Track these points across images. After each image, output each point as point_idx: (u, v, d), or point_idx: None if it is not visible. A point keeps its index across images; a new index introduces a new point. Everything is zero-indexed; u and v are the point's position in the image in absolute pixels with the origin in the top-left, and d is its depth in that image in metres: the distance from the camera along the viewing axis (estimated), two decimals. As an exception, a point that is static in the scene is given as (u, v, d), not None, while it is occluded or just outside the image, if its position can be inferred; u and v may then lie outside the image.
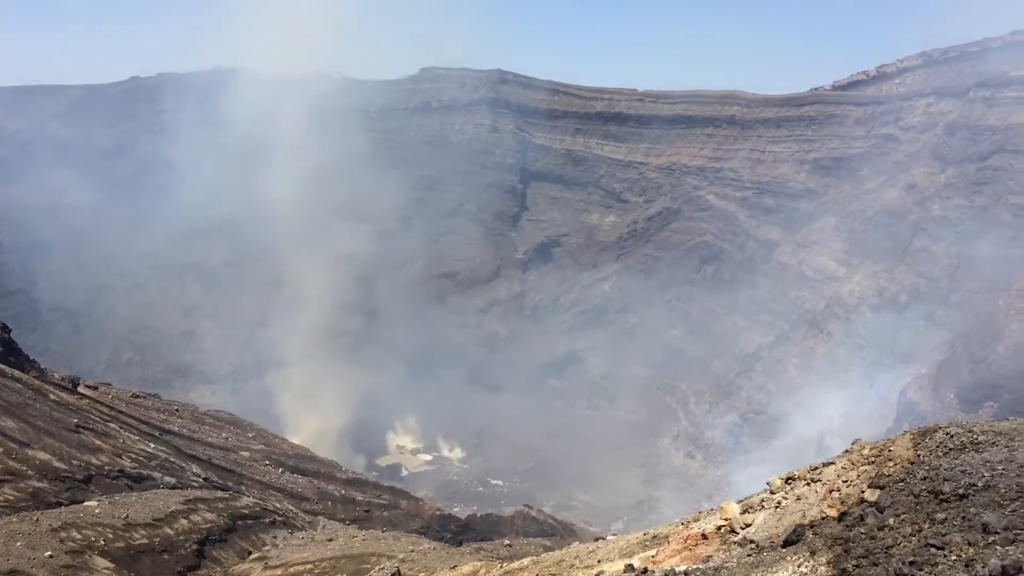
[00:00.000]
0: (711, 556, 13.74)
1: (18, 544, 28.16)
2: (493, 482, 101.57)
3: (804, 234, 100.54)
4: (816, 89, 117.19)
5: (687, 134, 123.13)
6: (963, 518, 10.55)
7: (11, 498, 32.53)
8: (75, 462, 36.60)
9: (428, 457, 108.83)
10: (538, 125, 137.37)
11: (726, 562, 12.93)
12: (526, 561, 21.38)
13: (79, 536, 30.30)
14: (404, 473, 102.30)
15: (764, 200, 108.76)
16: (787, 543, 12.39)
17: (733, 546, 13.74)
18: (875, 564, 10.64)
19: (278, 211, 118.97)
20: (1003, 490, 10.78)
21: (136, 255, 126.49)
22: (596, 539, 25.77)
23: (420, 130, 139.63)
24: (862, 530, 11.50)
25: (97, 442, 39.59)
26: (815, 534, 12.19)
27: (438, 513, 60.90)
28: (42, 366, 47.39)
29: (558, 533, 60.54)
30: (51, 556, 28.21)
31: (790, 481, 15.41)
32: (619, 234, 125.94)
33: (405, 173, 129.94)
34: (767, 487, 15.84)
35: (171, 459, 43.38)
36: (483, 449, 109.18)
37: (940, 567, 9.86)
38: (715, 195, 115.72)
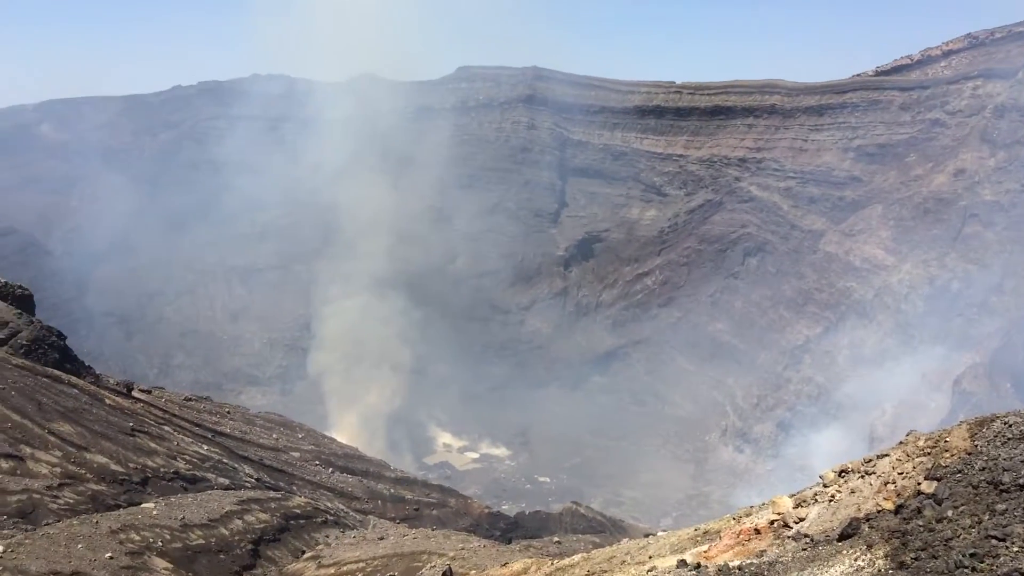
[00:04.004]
0: (765, 551, 13.65)
1: (79, 546, 28.88)
2: (540, 479, 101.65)
3: (850, 223, 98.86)
4: (858, 75, 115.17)
5: (727, 125, 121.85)
6: (1024, 509, 10.36)
7: (71, 501, 33.39)
8: (132, 465, 37.42)
9: (475, 455, 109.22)
10: (575, 121, 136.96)
11: (780, 557, 12.82)
12: (576, 558, 21.40)
13: (138, 537, 31.00)
14: (451, 472, 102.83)
15: (808, 189, 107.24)
16: (843, 537, 12.26)
17: (787, 540, 13.63)
18: (934, 557, 10.49)
19: (320, 214, 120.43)
20: (1065, 480, 10.57)
21: (182, 260, 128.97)
22: (646, 535, 25.69)
23: (458, 129, 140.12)
24: (920, 523, 11.34)
25: (152, 445, 40.44)
26: (871, 527, 12.04)
27: (487, 511, 61.11)
28: (97, 372, 48.54)
29: (607, 530, 60.42)
30: (111, 557, 28.89)
31: (843, 474, 15.22)
32: (660, 228, 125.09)
33: (444, 172, 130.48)
34: (820, 480, 15.66)
35: (224, 460, 44.13)
36: (529, 446, 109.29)
37: (1002, 558, 9.71)
38: (757, 186, 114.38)
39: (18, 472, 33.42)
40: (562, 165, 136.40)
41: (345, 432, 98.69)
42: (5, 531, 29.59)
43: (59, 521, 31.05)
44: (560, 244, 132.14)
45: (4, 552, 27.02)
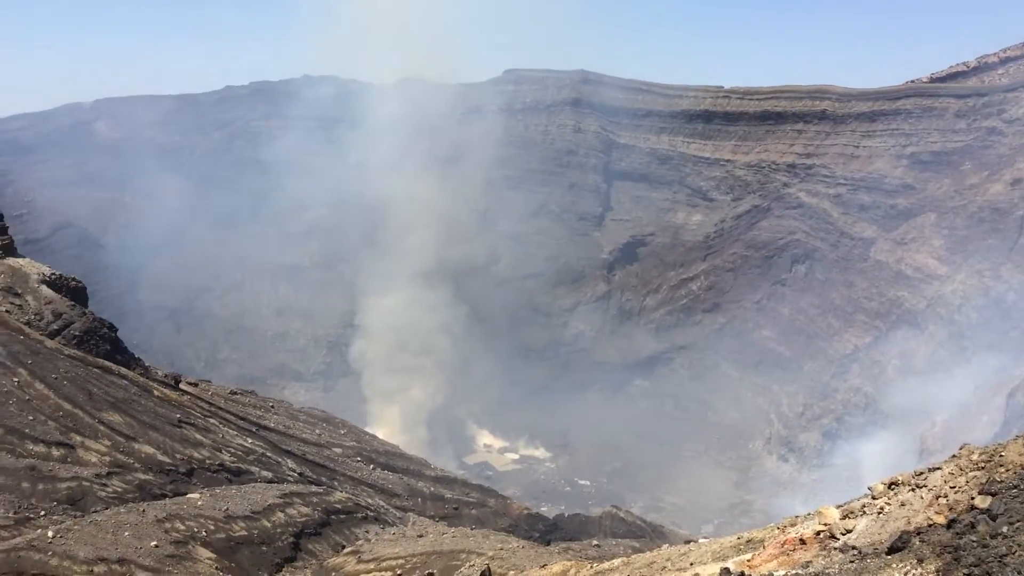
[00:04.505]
0: (810, 562, 13.40)
1: (126, 534, 29.44)
2: (580, 482, 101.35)
3: (902, 231, 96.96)
4: (912, 82, 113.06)
5: (776, 130, 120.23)
6: (1085, 527, 10.03)
7: (119, 490, 34.07)
8: (178, 456, 38.09)
9: (515, 456, 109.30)
10: (622, 124, 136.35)
11: (827, 568, 12.57)
12: (616, 562, 21.22)
13: (183, 527, 31.53)
14: (491, 472, 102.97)
15: (859, 197, 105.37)
16: (892, 550, 11.97)
17: (834, 552, 13.35)
18: (988, 573, 10.21)
19: (366, 213, 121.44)
20: None
21: (231, 257, 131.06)
22: (687, 542, 25.42)
23: (504, 131, 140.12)
24: (973, 538, 11.04)
25: (198, 437, 41.13)
26: (922, 541, 11.74)
27: (526, 512, 61.07)
28: (146, 364, 49.49)
29: (647, 535, 59.98)
30: (156, 546, 29.42)
31: (893, 486, 14.88)
32: (706, 233, 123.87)
33: (489, 175, 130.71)
34: (868, 492, 15.34)
35: (268, 454, 44.71)
36: (569, 449, 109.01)
37: (1060, 578, 9.41)
38: (806, 192, 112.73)
39: (68, 460, 34.19)
40: (607, 168, 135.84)
41: (386, 427, 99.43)
42: (55, 517, 30.28)
43: (107, 509, 31.71)
44: (604, 248, 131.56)
45: (53, 538, 27.66)
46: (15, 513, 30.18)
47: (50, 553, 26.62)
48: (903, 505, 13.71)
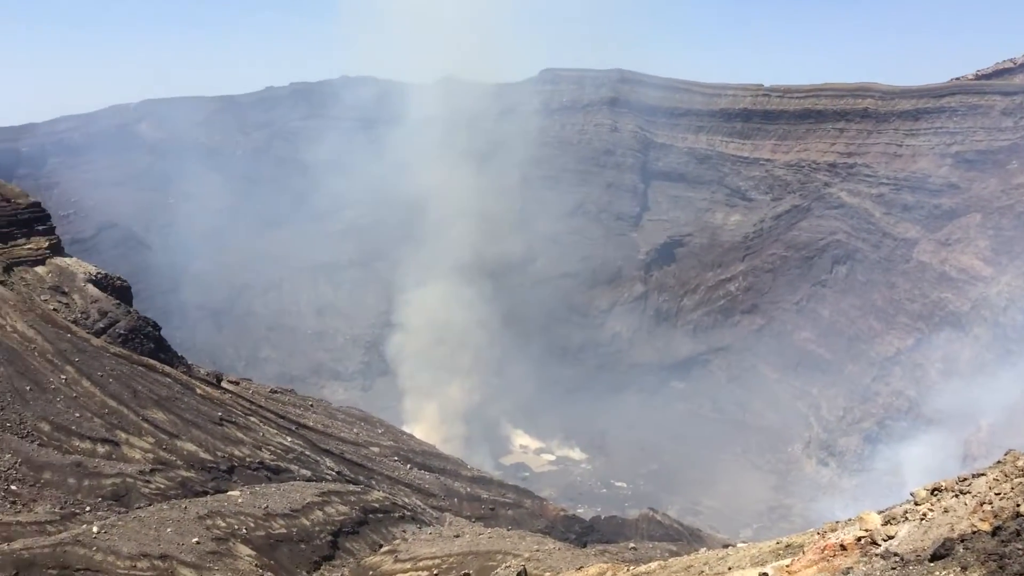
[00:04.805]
0: (851, 568, 13.23)
1: (168, 530, 29.95)
2: (617, 484, 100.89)
3: (946, 232, 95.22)
4: (957, 79, 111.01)
5: (816, 129, 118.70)
6: None
7: (162, 486, 34.68)
8: (219, 453, 38.65)
9: (551, 457, 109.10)
10: (659, 123, 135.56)
11: (868, 575, 12.42)
12: (653, 565, 21.14)
13: (223, 524, 31.99)
14: (527, 473, 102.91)
15: (902, 196, 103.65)
16: (935, 557, 11.78)
17: (875, 559, 13.17)
18: (1035, 583, 10.02)
19: (403, 212, 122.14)
20: None
21: (271, 256, 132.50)
22: (725, 546, 25.26)
23: (541, 131, 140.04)
24: (1019, 546, 10.84)
25: (239, 435, 41.70)
26: (966, 549, 11.55)
27: (562, 513, 60.99)
28: (189, 362, 50.28)
29: (684, 538, 59.56)
30: (198, 542, 29.89)
31: (936, 492, 14.65)
32: (745, 233, 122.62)
33: (526, 174, 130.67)
34: (911, 498, 15.12)
35: (307, 452, 45.18)
36: (606, 450, 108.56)
37: (1110, 589, 9.21)
38: (848, 192, 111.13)
39: (113, 456, 34.88)
40: (645, 168, 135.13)
41: (423, 425, 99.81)
42: (100, 513, 30.90)
43: (150, 505, 32.30)
44: (641, 248, 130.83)
45: (98, 533, 28.23)
46: (61, 508, 30.88)
47: (94, 548, 27.19)
48: (946, 511, 13.50)
